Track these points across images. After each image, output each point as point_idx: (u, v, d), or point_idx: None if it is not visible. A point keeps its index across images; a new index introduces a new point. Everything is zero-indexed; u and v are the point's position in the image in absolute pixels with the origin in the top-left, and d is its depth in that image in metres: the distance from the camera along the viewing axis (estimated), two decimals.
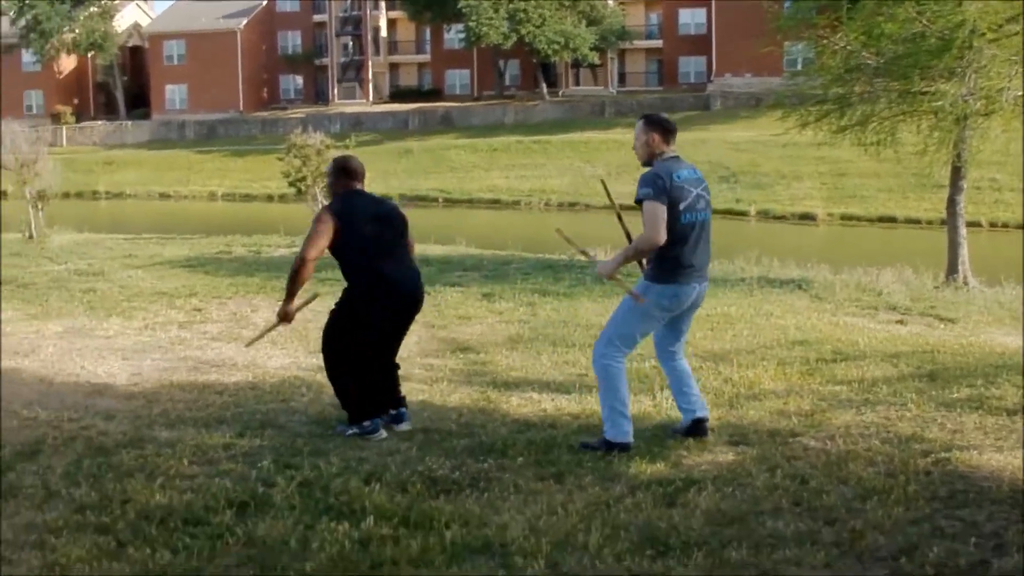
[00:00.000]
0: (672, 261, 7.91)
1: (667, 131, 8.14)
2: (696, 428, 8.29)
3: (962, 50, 18.25)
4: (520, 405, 9.34)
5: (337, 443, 8.18)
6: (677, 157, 8.09)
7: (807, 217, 52.72)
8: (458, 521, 6.35)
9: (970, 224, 35.72)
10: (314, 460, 7.63)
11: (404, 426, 8.67)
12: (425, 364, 11.25)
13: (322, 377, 10.48)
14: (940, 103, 18.51)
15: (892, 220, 51.30)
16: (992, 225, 48.32)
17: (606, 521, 6.34)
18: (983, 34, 18.02)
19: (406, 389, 9.75)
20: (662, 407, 9.15)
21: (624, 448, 7.80)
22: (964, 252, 22.09)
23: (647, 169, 8.01)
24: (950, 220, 22.59)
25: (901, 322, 14.53)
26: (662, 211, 7.73)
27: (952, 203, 22.32)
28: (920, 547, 5.93)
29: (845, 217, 52.53)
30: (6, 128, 29.37)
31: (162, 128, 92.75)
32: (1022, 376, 10.16)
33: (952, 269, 22.00)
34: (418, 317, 13.13)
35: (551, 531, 6.19)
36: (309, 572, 5.64)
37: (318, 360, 11.30)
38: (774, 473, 7.27)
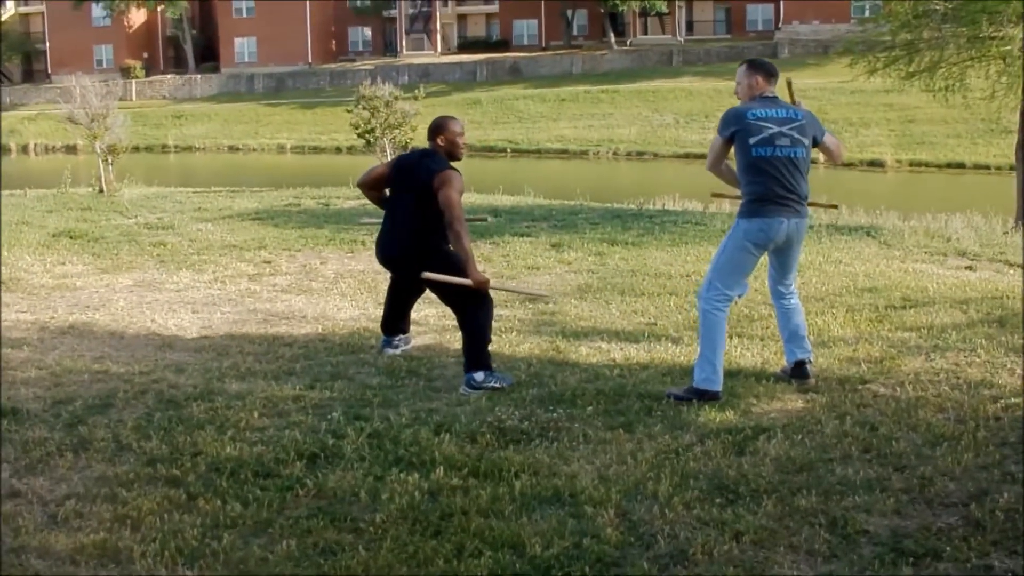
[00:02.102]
0: (754, 195, 8.13)
1: (769, 73, 8.39)
2: (797, 371, 8.40)
3: None
4: (589, 355, 9.34)
5: (407, 394, 8.23)
6: (772, 97, 8.28)
7: (876, 164, 52.46)
8: (528, 471, 6.38)
9: None
10: (384, 411, 7.68)
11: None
12: (494, 315, 11.29)
13: None
14: (1008, 47, 18.38)
15: (961, 166, 51.06)
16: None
17: (675, 470, 6.36)
18: None
19: None
20: (731, 354, 9.12)
21: (712, 397, 7.86)
22: None
23: None
24: (1019, 165, 22.40)
25: (970, 268, 14.41)
26: (717, 143, 8.28)
27: (1021, 147, 22.10)
28: (990, 492, 5.92)
29: (914, 163, 52.30)
30: (76, 83, 29.51)
31: (231, 81, 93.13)
32: None
33: (1022, 214, 21.79)
34: (487, 268, 13.22)
35: (620, 480, 6.22)
36: (379, 523, 5.66)
37: None
38: (843, 420, 7.28)
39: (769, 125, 8.03)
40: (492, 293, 8.85)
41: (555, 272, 14.11)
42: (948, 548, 5.23)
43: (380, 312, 11.29)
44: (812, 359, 8.57)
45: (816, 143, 8.34)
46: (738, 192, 8.44)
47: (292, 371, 8.99)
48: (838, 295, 11.99)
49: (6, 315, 11.35)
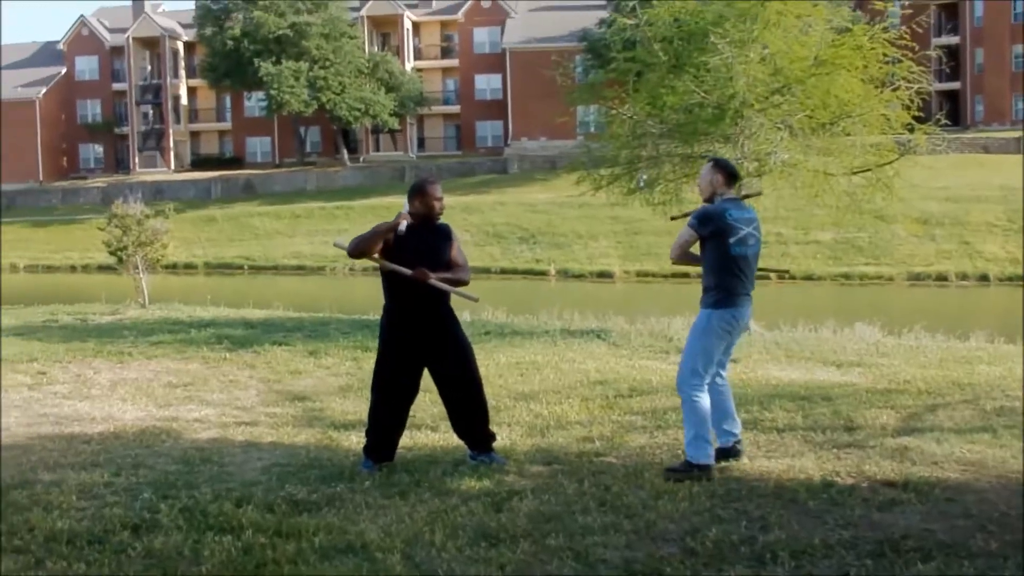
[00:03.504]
0: (728, 288, 9.14)
1: (731, 175, 9.38)
2: (736, 449, 9.52)
3: (735, 118, 19.85)
4: (359, 442, 10.38)
5: (205, 477, 9.29)
6: (735, 199, 9.35)
7: (604, 275, 54.48)
8: (323, 530, 7.56)
9: (759, 277, 37.65)
10: (189, 491, 8.74)
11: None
12: (269, 412, 12.44)
13: (177, 425, 11.71)
14: None
15: (685, 276, 53.34)
16: (780, 277, 50.78)
17: (446, 523, 7.64)
18: (752, 104, 19.68)
19: (255, 434, 11.10)
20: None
21: (707, 469, 8.89)
22: None
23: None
24: None
25: None
26: (688, 237, 9.22)
27: None
28: (701, 530, 7.41)
29: (640, 273, 54.44)
30: None
31: None
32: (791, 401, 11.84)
33: None
34: (253, 373, 14.42)
35: (401, 533, 7.46)
36: (205, 573, 6.78)
37: (169, 412, 12.52)
38: (582, 483, 8.71)
39: (742, 227, 9.09)
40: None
41: (316, 375, 15.27)
42: (668, 569, 6.69)
43: (163, 412, 12.43)
44: None
45: None
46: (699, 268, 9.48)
47: (96, 462, 9.91)
48: (573, 388, 13.48)
49: None
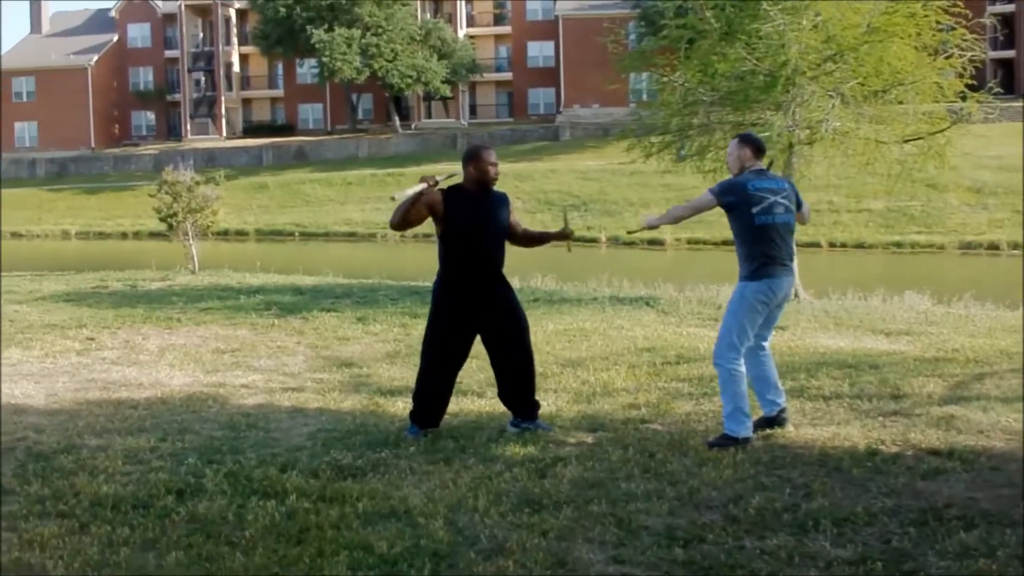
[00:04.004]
0: (760, 258, 9.09)
1: (758, 148, 9.37)
2: (781, 416, 9.46)
3: (786, 86, 19.74)
4: (405, 408, 10.39)
5: (250, 443, 9.32)
6: (761, 169, 9.35)
7: (655, 243, 54.23)
8: (367, 495, 7.57)
9: (809, 244, 37.55)
10: (234, 456, 8.77)
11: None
12: (316, 379, 12.46)
13: (224, 391, 11.76)
14: (768, 133, 19.94)
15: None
16: (831, 245, 50.57)
17: (490, 489, 7.64)
18: (804, 72, 19.57)
19: (301, 400, 11.13)
20: None
21: (746, 441, 8.86)
22: (795, 268, 23.63)
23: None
24: None
25: None
26: (705, 202, 9.24)
27: None
28: (744, 497, 7.38)
29: (692, 241, 54.11)
30: None
31: (11, 166, 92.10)
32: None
33: None
34: (301, 339, 14.47)
35: (445, 499, 7.47)
36: (248, 537, 6.78)
37: (216, 378, 12.56)
38: (627, 450, 8.68)
39: (767, 195, 9.06)
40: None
41: (364, 342, 15.29)
42: (710, 535, 6.66)
43: (210, 378, 12.47)
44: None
45: (797, 208, 9.39)
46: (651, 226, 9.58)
47: (143, 428, 9.98)
48: (620, 355, 13.45)
49: None
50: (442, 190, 9.34)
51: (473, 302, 9.36)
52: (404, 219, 9.35)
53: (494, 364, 9.73)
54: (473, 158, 9.40)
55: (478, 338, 9.59)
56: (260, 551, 6.57)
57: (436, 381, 9.52)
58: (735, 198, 9.08)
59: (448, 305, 9.40)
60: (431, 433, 9.42)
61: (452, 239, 9.32)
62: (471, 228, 9.25)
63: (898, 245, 51.58)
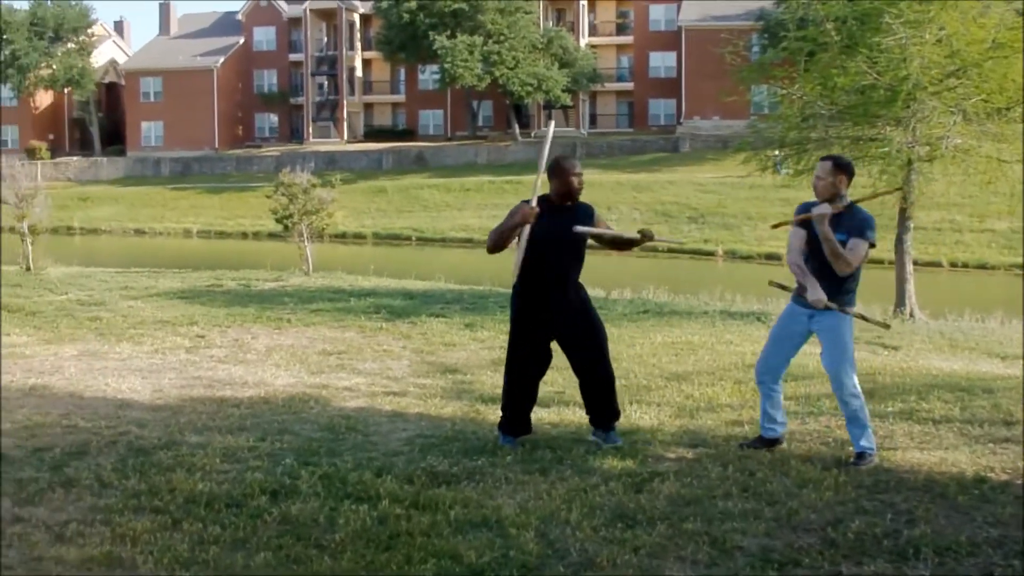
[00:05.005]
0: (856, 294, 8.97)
1: (851, 175, 8.94)
2: (772, 443, 9.30)
3: (907, 101, 19.49)
4: None
5: (348, 446, 9.32)
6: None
7: (772, 257, 53.74)
8: (459, 503, 7.51)
9: (929, 264, 37.02)
10: (330, 459, 8.77)
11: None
12: (418, 384, 12.43)
13: (327, 392, 11.77)
14: (887, 149, 19.68)
15: None
16: (952, 265, 49.74)
17: (584, 503, 7.53)
18: (925, 87, 19.30)
19: (402, 404, 11.08)
20: (631, 418, 10.36)
21: (872, 452, 8.78)
22: (911, 287, 23.35)
23: (858, 209, 8.90)
24: (897, 258, 23.81)
25: None
26: (865, 254, 8.76)
27: (899, 242, 23.53)
28: (844, 520, 7.18)
29: None
30: (6, 163, 30.46)
31: (137, 165, 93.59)
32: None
33: (900, 303, 23.26)
34: (408, 344, 14.45)
35: (538, 510, 7.37)
36: (338, 541, 6.75)
37: (320, 379, 12.59)
38: (726, 468, 8.52)
39: None
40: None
41: (469, 348, 15.26)
42: (806, 559, 6.49)
43: (314, 379, 12.50)
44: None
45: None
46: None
47: (243, 427, 10.03)
48: (726, 370, 13.28)
49: None
50: (538, 204, 9.22)
51: (548, 308, 9.30)
52: (502, 243, 9.31)
53: (574, 370, 9.66)
54: (557, 171, 9.33)
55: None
56: (348, 555, 6.53)
57: (520, 393, 9.47)
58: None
59: (525, 317, 9.37)
60: (528, 443, 9.35)
61: (532, 249, 9.22)
62: (552, 240, 9.17)
63: (1021, 267, 50.63)
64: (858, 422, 8.87)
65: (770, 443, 9.27)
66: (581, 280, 9.56)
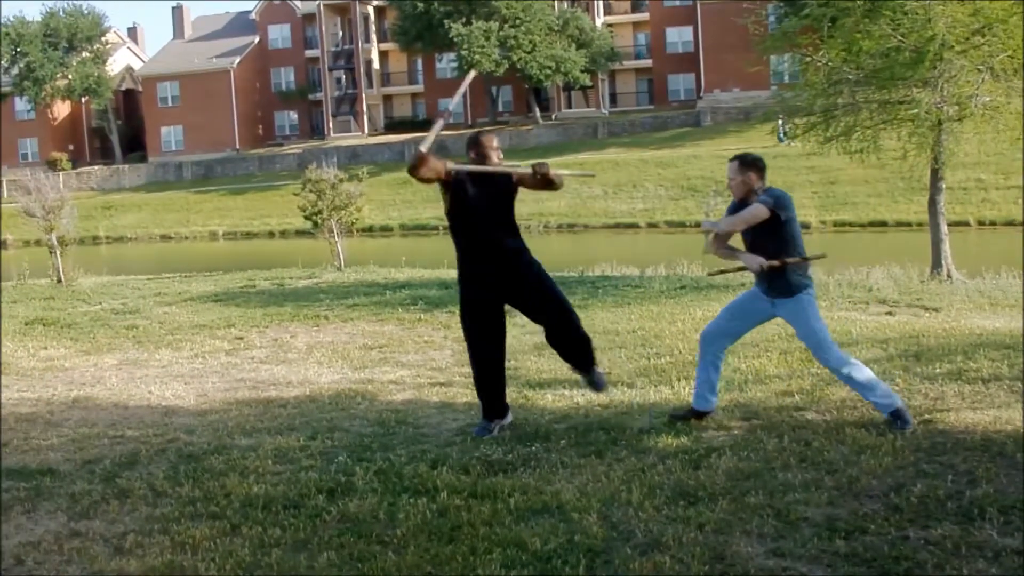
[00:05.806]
0: (808, 268, 9.05)
1: (761, 169, 9.09)
2: (707, 414, 9.31)
3: (934, 61, 19.37)
4: (554, 400, 10.46)
5: (400, 439, 9.29)
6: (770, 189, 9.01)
7: (802, 226, 53.28)
8: (518, 491, 7.47)
9: (958, 223, 36.88)
10: (384, 454, 8.73)
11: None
12: (463, 373, 12.38)
13: (372, 387, 11.74)
14: (916, 111, 19.57)
15: (883, 224, 52.36)
16: (980, 223, 49.56)
17: (643, 483, 7.50)
18: (952, 47, 19.17)
19: (450, 394, 11.05)
20: (680, 394, 10.33)
21: (906, 410, 8.76)
22: (947, 248, 23.25)
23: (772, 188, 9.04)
24: (932, 219, 23.71)
25: (890, 313, 15.73)
26: (762, 217, 8.76)
27: (933, 203, 23.45)
28: (906, 485, 7.15)
29: (838, 224, 53.55)
30: (32, 177, 30.53)
31: (159, 170, 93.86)
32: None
33: (936, 264, 23.16)
34: (448, 334, 14.39)
35: (598, 493, 7.34)
36: (400, 535, 6.72)
37: (364, 374, 12.56)
38: (782, 439, 8.48)
39: None
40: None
41: (511, 334, 15.08)
42: (872, 526, 6.45)
43: (358, 375, 12.47)
44: None
45: None
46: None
47: (292, 426, 10.00)
48: (771, 341, 13.16)
49: (7, 395, 12.30)
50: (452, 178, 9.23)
51: (493, 286, 9.25)
52: (419, 167, 9.24)
53: (546, 336, 9.71)
54: (475, 144, 9.43)
55: None
56: (412, 550, 6.49)
57: (483, 370, 9.46)
58: (792, 213, 9.00)
59: (471, 292, 9.37)
60: (580, 425, 9.31)
61: (462, 225, 9.28)
62: (480, 211, 9.18)
63: None
64: (865, 387, 8.85)
65: (700, 415, 9.27)
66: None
